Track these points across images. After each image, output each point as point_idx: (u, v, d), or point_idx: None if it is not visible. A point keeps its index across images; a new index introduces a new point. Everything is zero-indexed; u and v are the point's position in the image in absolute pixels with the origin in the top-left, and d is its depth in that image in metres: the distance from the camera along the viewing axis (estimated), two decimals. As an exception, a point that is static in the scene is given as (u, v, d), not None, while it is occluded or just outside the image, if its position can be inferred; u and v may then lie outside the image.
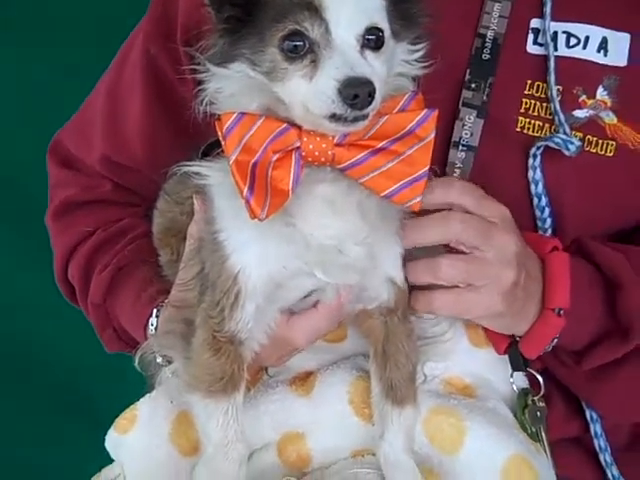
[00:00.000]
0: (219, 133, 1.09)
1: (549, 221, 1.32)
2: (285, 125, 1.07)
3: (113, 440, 1.31)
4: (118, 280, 1.49)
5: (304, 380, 1.31)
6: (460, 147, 1.32)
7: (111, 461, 1.33)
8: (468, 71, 1.33)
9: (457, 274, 1.17)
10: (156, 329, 1.36)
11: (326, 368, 1.30)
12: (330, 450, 1.26)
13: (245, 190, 1.06)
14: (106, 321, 1.54)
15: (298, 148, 1.07)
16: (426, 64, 1.14)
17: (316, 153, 1.07)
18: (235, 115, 1.07)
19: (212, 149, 1.18)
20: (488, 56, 1.32)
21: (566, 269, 1.23)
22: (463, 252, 1.18)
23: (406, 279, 1.21)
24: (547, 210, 1.31)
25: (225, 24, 1.08)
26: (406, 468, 1.22)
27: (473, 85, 1.32)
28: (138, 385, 1.39)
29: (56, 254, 1.61)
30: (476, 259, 1.17)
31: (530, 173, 1.31)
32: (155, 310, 1.37)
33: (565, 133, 1.29)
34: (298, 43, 1.03)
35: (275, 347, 1.22)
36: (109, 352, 1.60)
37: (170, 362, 1.30)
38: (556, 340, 1.25)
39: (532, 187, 1.31)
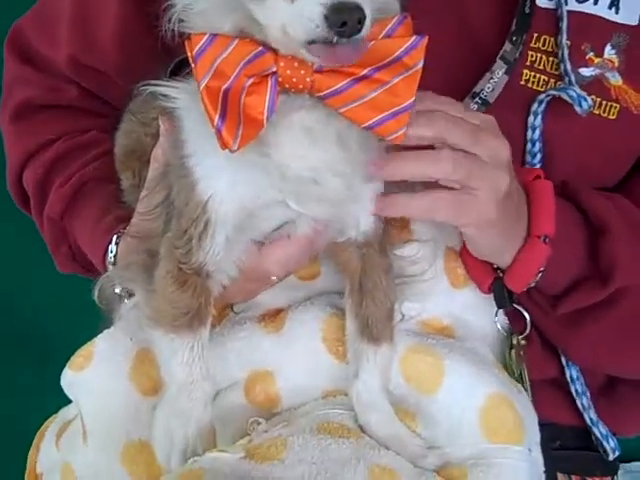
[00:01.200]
0: (189, 55, 1.00)
1: (538, 167, 1.26)
2: (261, 48, 0.99)
3: (69, 378, 1.24)
4: (79, 197, 1.40)
5: (274, 317, 1.24)
6: (477, 99, 1.25)
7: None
8: (514, 22, 1.26)
9: (458, 170, 1.08)
10: (115, 257, 1.28)
11: (298, 305, 1.24)
12: (300, 390, 1.20)
13: (216, 118, 0.98)
14: (62, 238, 1.46)
15: (274, 73, 0.99)
16: None
17: (294, 79, 0.99)
18: (206, 37, 0.98)
19: (181, 67, 1.08)
20: (529, 10, 1.26)
21: (550, 196, 1.18)
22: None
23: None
24: (538, 156, 1.26)
25: None
26: (381, 408, 1.17)
27: (514, 38, 1.25)
28: (94, 324, 1.31)
29: (10, 158, 1.51)
30: (475, 159, 1.10)
31: (530, 118, 1.26)
32: (115, 237, 1.29)
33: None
34: None
35: (245, 279, 1.15)
36: (61, 272, 1.52)
37: (131, 295, 1.22)
38: (541, 274, 1.20)
39: (529, 132, 1.26)
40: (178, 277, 1.10)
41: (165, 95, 1.08)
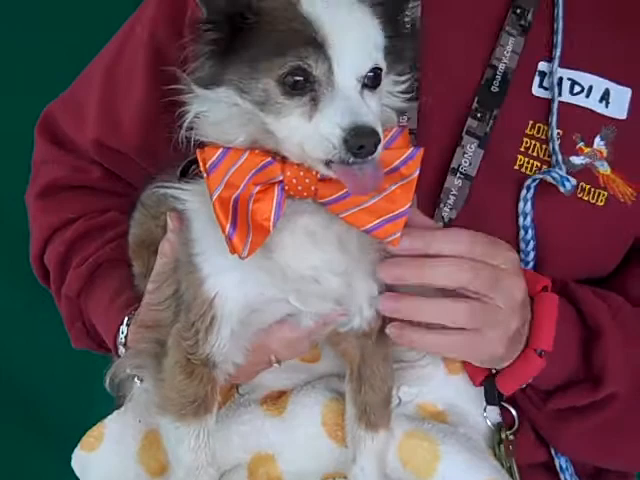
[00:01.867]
0: (201, 165, 1.05)
1: (532, 254, 1.31)
2: (269, 159, 1.04)
3: (80, 459, 1.29)
4: (95, 277, 1.46)
5: (276, 400, 1.29)
6: (458, 174, 1.30)
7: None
8: (476, 100, 1.31)
9: (473, 321, 1.14)
10: (126, 337, 1.33)
11: (300, 388, 1.29)
12: (301, 473, 1.25)
13: (227, 227, 1.04)
14: (77, 315, 1.52)
15: (281, 182, 1.04)
16: (411, 97, 1.12)
17: (299, 187, 1.05)
18: (219, 152, 1.04)
19: (191, 166, 1.14)
20: (497, 89, 1.32)
21: (554, 312, 1.22)
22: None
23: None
24: (531, 243, 1.31)
25: (212, 45, 1.04)
26: None
27: (479, 115, 1.31)
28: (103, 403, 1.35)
29: (34, 233, 1.58)
30: (489, 306, 1.15)
31: (521, 205, 1.30)
32: (126, 318, 1.34)
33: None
34: (299, 78, 0.99)
35: (249, 362, 1.20)
36: (75, 347, 1.57)
37: (142, 380, 1.27)
38: (532, 378, 1.24)
39: (520, 219, 1.30)
40: (186, 367, 1.15)
41: (176, 197, 1.13)
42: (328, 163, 1.00)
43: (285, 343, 1.20)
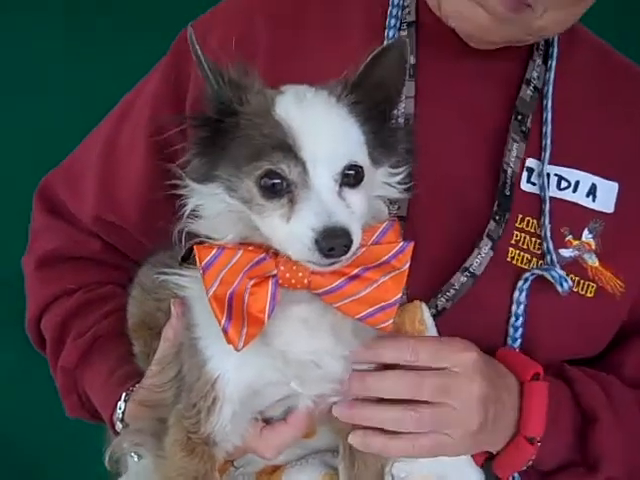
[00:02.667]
0: (197, 262, 1.09)
1: (518, 341, 1.34)
2: (262, 255, 1.07)
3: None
4: (93, 351, 1.48)
5: (270, 474, 1.32)
6: (465, 272, 1.33)
7: None
8: (496, 203, 1.35)
9: (423, 426, 1.18)
10: (123, 413, 1.35)
11: (294, 463, 1.31)
12: None
13: (223, 321, 1.07)
14: (73, 387, 1.53)
15: (275, 275, 1.08)
16: (407, 187, 1.15)
17: (292, 281, 1.08)
18: (214, 251, 1.07)
19: (192, 252, 1.16)
20: (509, 192, 1.35)
21: (544, 400, 1.26)
22: None
23: None
24: (520, 331, 1.34)
25: (201, 143, 1.08)
26: None
27: (497, 217, 1.34)
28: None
29: (31, 303, 1.59)
30: (440, 410, 1.19)
31: (516, 294, 1.33)
32: (124, 394, 1.36)
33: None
34: (276, 181, 1.02)
35: (244, 449, 1.24)
36: (69, 416, 1.59)
37: (139, 457, 1.29)
38: (528, 464, 1.28)
39: (514, 307, 1.34)
40: (187, 445, 1.18)
41: (176, 284, 1.17)
42: (308, 262, 1.03)
43: (277, 448, 1.22)
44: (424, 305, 1.31)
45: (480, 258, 1.34)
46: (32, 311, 1.58)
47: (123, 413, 1.35)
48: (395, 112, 1.17)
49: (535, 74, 1.40)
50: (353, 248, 1.01)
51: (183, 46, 1.42)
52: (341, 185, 1.04)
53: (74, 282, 1.55)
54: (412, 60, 1.36)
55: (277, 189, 1.02)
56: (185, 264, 1.18)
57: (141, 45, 1.99)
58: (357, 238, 1.02)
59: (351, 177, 1.04)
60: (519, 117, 1.38)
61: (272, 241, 1.06)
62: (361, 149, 1.07)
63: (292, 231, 1.02)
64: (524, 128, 1.38)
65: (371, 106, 1.08)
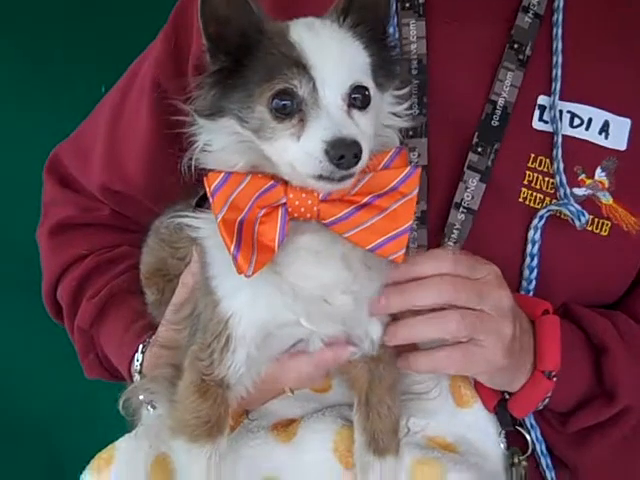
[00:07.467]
0: (207, 190, 1.10)
1: (534, 283, 1.34)
2: (271, 182, 1.08)
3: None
4: (108, 309, 1.49)
5: (286, 427, 1.30)
6: (460, 209, 1.33)
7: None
8: (476, 135, 1.35)
9: (465, 327, 1.17)
10: (141, 365, 1.35)
11: (310, 416, 1.29)
12: (308, 498, 1.25)
13: (232, 247, 1.07)
14: (90, 347, 1.54)
15: (284, 204, 1.08)
16: (412, 115, 1.16)
17: (302, 209, 1.09)
18: (222, 175, 1.09)
19: (205, 199, 1.17)
20: (497, 123, 1.35)
21: (557, 333, 1.25)
22: None
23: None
24: (535, 271, 1.33)
25: (216, 75, 1.09)
26: None
27: (479, 149, 1.35)
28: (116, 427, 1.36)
29: (46, 272, 1.61)
30: (478, 313, 1.19)
31: (530, 233, 1.33)
32: (141, 346, 1.36)
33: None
34: (287, 102, 1.05)
35: (261, 389, 1.22)
36: (88, 377, 1.60)
37: (154, 407, 1.28)
38: (545, 402, 1.26)
39: (529, 246, 1.33)
40: (200, 387, 1.17)
41: (190, 225, 1.17)
42: (319, 178, 1.04)
43: (298, 375, 1.22)
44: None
45: (471, 192, 1.34)
46: (47, 280, 1.60)
47: (141, 365, 1.36)
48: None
49: (535, 0, 1.39)
50: (362, 160, 1.03)
51: (186, 5, 1.44)
52: (349, 106, 1.06)
53: (86, 247, 1.57)
54: None
55: (288, 109, 1.04)
56: (199, 209, 1.18)
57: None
58: (366, 152, 1.03)
59: (358, 100, 1.06)
60: (515, 45, 1.37)
61: (281, 167, 1.07)
62: (366, 71, 1.09)
63: (303, 147, 1.03)
64: (521, 56, 1.37)
65: (367, 28, 1.11)
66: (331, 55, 1.06)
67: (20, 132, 2.33)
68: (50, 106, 2.32)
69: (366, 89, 1.07)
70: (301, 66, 1.04)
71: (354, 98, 1.06)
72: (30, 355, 2.19)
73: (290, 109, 1.04)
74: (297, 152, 1.04)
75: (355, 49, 1.09)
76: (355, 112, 1.06)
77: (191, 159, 1.12)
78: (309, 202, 1.08)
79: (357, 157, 1.02)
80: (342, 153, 1.01)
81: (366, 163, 1.05)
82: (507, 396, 1.28)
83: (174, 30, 1.50)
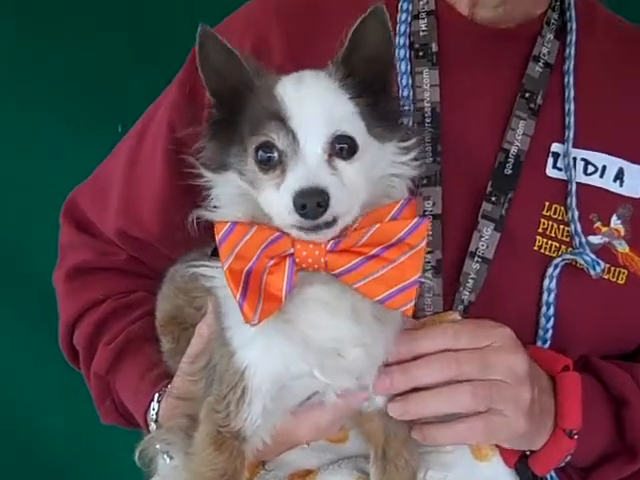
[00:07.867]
0: (216, 237, 1.10)
1: (550, 332, 1.32)
2: (278, 233, 1.08)
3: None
4: (124, 355, 1.48)
5: (303, 477, 1.29)
6: (475, 258, 1.33)
7: None
8: (490, 183, 1.35)
9: (481, 400, 1.16)
10: (157, 414, 1.35)
11: (326, 467, 1.29)
12: None
13: (237, 296, 1.07)
14: (106, 393, 1.53)
15: (292, 254, 1.08)
16: (423, 163, 1.15)
17: (309, 260, 1.08)
18: (228, 225, 1.09)
19: None
20: (510, 171, 1.35)
21: (577, 390, 1.24)
22: None
23: None
24: (552, 320, 1.32)
25: (215, 127, 1.11)
26: None
27: (493, 198, 1.34)
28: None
29: (63, 316, 1.61)
30: (491, 383, 1.17)
31: (546, 282, 1.32)
32: (157, 395, 1.36)
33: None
34: (270, 154, 1.05)
35: (277, 441, 1.21)
36: (104, 423, 1.59)
37: (170, 457, 1.28)
38: (567, 459, 1.25)
39: (544, 295, 1.32)
40: (216, 439, 1.16)
41: (204, 275, 1.17)
42: (296, 228, 1.04)
43: (313, 427, 1.21)
44: (457, 314, 1.31)
45: (485, 241, 1.33)
46: (64, 325, 1.60)
47: (157, 414, 1.35)
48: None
49: (545, 50, 1.40)
50: (332, 209, 1.01)
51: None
52: (332, 155, 1.05)
53: (102, 292, 1.56)
54: (434, 48, 1.39)
55: (271, 161, 1.05)
56: (214, 258, 1.18)
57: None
58: (340, 203, 1.02)
59: (344, 150, 1.05)
60: (526, 95, 1.37)
61: (271, 218, 1.07)
62: (352, 120, 1.08)
63: (279, 197, 1.04)
64: (532, 105, 1.37)
65: (366, 80, 1.10)
66: (310, 106, 1.06)
67: (20, 133, 2.33)
68: (50, 106, 2.32)
69: (351, 138, 1.06)
70: (280, 119, 1.05)
71: (340, 148, 1.05)
72: (47, 403, 2.18)
73: (273, 161, 1.05)
74: (275, 202, 1.05)
75: (338, 99, 1.08)
76: (339, 162, 1.05)
77: (197, 213, 1.14)
78: (316, 253, 1.07)
79: (322, 206, 1.01)
80: (303, 202, 1.00)
81: (355, 213, 1.05)
82: (528, 452, 1.27)
83: (189, 76, 1.51)
